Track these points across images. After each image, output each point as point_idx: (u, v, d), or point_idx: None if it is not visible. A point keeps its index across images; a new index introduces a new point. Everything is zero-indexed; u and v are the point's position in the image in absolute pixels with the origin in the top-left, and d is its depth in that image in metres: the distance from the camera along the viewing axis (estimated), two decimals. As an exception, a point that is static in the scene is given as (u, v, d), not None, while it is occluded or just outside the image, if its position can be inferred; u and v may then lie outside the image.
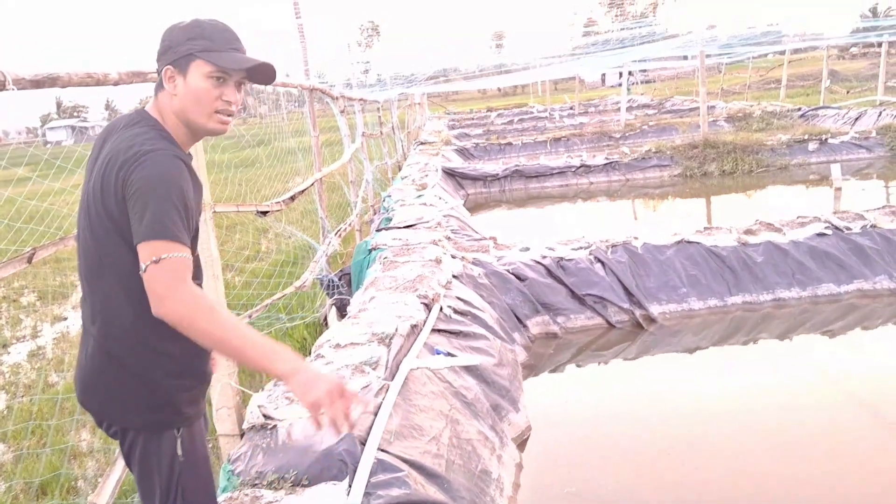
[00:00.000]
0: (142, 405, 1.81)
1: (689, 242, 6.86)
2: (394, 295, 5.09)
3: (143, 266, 1.66)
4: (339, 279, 6.39)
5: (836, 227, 6.89)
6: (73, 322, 8.94)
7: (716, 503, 3.94)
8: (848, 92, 22.28)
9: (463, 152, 19.08)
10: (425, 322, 4.71)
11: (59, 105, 78.97)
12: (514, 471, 4.18)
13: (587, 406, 5.28)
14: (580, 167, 14.48)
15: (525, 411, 4.78)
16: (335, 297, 6.25)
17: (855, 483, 4.06)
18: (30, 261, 2.31)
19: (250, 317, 4.48)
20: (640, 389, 5.49)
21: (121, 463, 2.79)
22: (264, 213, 4.63)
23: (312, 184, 6.33)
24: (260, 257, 8.41)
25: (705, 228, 7.30)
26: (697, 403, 5.11)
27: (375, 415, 3.51)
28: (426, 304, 4.99)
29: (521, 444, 4.59)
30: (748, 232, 6.99)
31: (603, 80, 70.81)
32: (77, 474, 4.81)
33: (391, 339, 4.27)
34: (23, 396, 6.70)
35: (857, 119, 17.28)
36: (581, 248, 6.96)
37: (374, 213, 11.55)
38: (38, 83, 2.21)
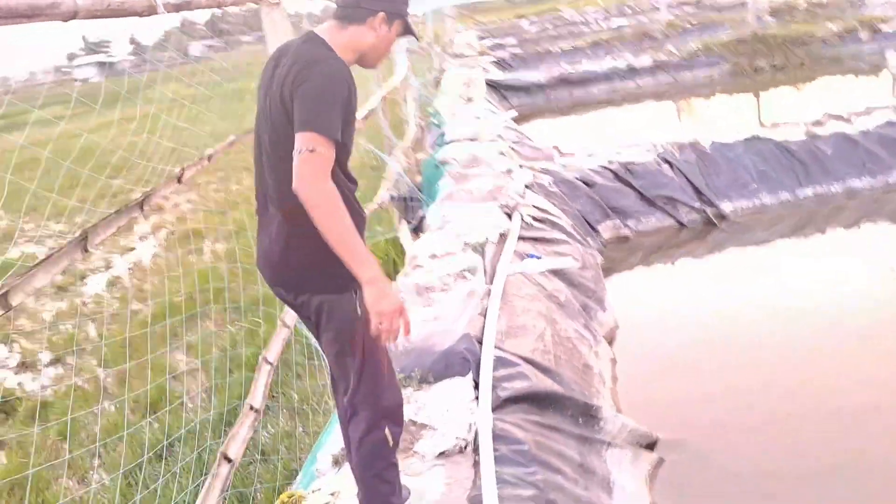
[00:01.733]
0: (328, 271, 2.02)
1: (757, 139, 6.81)
2: (474, 206, 5.20)
3: (298, 150, 1.87)
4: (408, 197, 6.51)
5: (907, 114, 6.77)
6: (142, 251, 9.26)
7: (787, 399, 4.02)
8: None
9: (501, 63, 18.70)
10: (510, 230, 4.83)
11: (85, 41, 78.73)
12: (610, 365, 4.36)
13: (665, 304, 5.39)
14: (626, 70, 14.21)
15: (612, 310, 4.92)
16: (411, 213, 6.38)
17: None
18: (179, 180, 2.46)
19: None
20: (711, 286, 5.58)
21: (264, 373, 2.99)
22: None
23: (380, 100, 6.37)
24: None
25: (772, 124, 7.21)
26: (764, 299, 5.10)
27: (485, 317, 3.68)
28: (507, 214, 5.10)
29: (610, 341, 4.76)
30: (816, 124, 6.90)
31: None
32: (181, 390, 5.12)
33: (483, 246, 4.41)
34: (111, 324, 7.04)
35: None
36: (647, 150, 6.95)
37: (422, 131, 11.53)
38: (178, 7, 2.30)
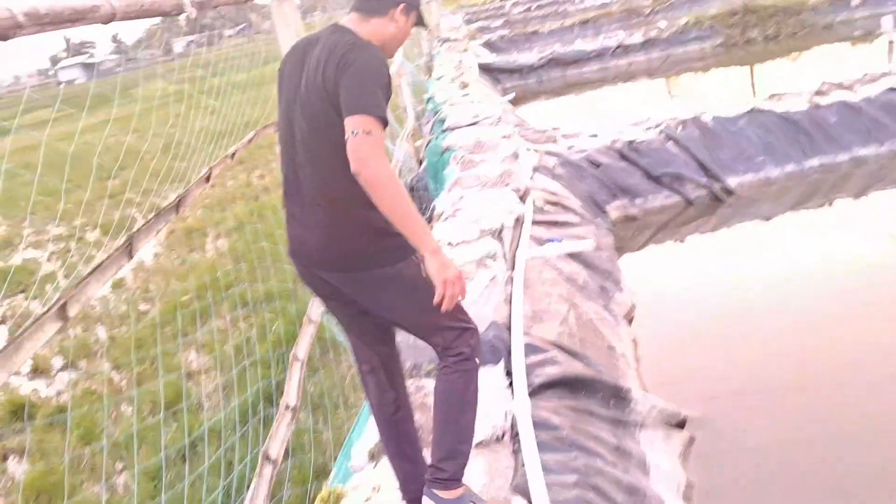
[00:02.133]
0: (384, 246, 2.11)
1: (759, 111, 6.80)
2: (486, 191, 5.17)
3: (351, 132, 1.91)
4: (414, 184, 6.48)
5: (909, 80, 6.76)
6: (145, 252, 9.20)
7: (804, 367, 4.05)
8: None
9: (490, 45, 18.64)
10: (524, 214, 4.81)
11: (67, 43, 77.89)
12: (632, 346, 4.36)
13: (677, 282, 5.39)
14: (618, 48, 14.17)
15: (628, 290, 4.92)
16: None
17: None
18: (208, 180, 2.42)
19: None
20: (722, 261, 5.58)
21: (296, 370, 2.97)
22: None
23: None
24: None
25: (772, 95, 7.20)
26: (772, 271, 5.13)
27: (509, 303, 3.67)
28: (520, 198, 5.08)
29: (629, 321, 4.76)
30: (818, 94, 6.89)
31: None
32: (197, 392, 5.09)
33: (500, 233, 4.39)
34: (122, 326, 7.00)
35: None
36: (650, 128, 6.93)
37: (417, 117, 11.47)
38: (202, 4, 2.27)
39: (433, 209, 5.31)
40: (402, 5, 2.22)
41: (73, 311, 1.63)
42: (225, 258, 7.95)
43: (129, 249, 1.99)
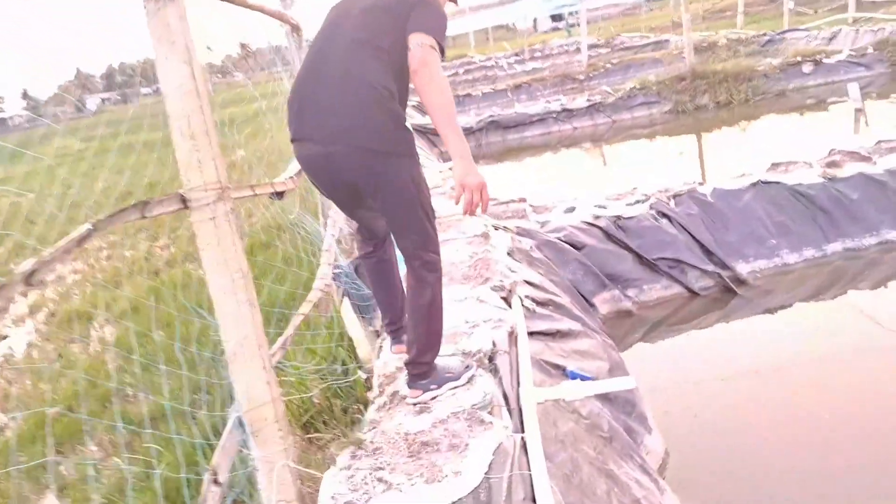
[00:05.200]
0: (402, 135, 2.36)
1: (766, 183, 5.69)
2: (460, 288, 3.77)
3: (419, 43, 2.23)
4: (355, 269, 5.02)
5: (932, 150, 5.81)
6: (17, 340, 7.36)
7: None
8: (816, 12, 21.38)
9: (420, 108, 17.56)
10: (516, 325, 3.40)
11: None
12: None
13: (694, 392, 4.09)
14: (561, 112, 13.21)
15: (657, 431, 3.56)
16: (349, 288, 4.88)
17: None
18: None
19: (284, 346, 3.10)
20: (730, 364, 4.36)
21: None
22: (280, 194, 3.23)
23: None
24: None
25: (773, 164, 6.14)
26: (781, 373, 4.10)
27: (530, 485, 2.24)
28: (504, 299, 3.69)
29: (663, 475, 3.38)
30: (831, 164, 5.86)
31: (535, 27, 69.27)
32: None
33: (493, 358, 2.97)
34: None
35: (831, 39, 16.39)
36: (637, 201, 5.72)
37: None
38: None
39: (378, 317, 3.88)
40: None
41: None
42: (111, 353, 6.27)
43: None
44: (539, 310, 3.84)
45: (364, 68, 2.29)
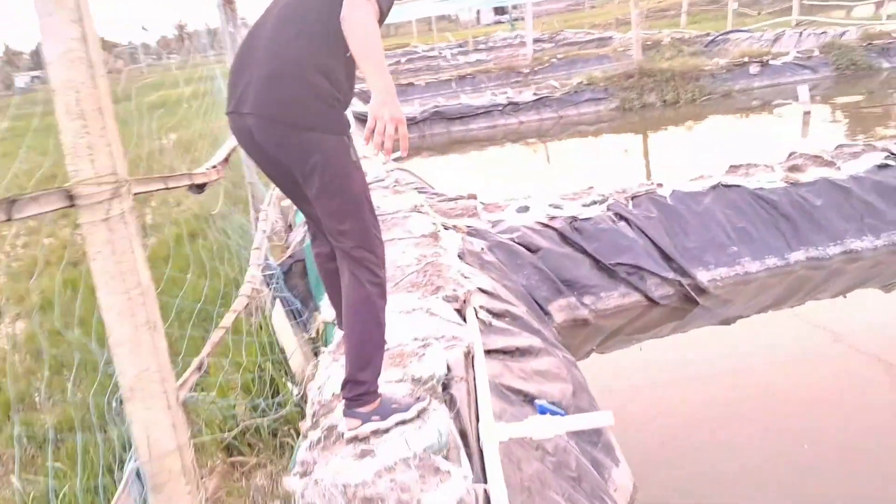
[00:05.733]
0: (327, 112, 2.15)
1: (726, 186, 5.43)
2: (407, 298, 3.32)
3: None
4: (288, 270, 4.53)
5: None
6: None
7: None
8: (759, 13, 21.62)
9: (362, 96, 17.00)
10: (472, 344, 2.98)
11: None
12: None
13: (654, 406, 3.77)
14: (508, 105, 12.85)
15: (624, 462, 3.19)
16: (280, 293, 4.39)
17: None
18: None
19: (200, 369, 2.60)
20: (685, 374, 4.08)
21: None
22: (201, 186, 2.73)
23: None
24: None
25: (732, 167, 5.89)
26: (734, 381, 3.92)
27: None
28: (458, 311, 3.27)
29: (630, 513, 3.02)
30: (793, 169, 5.64)
31: (478, 19, 69.02)
32: None
33: (448, 386, 2.54)
34: None
35: (775, 41, 16.54)
36: (594, 202, 5.38)
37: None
38: None
39: (315, 326, 3.41)
40: None
41: None
42: (20, 352, 5.60)
43: None
44: (495, 322, 3.43)
45: (288, 44, 2.18)
